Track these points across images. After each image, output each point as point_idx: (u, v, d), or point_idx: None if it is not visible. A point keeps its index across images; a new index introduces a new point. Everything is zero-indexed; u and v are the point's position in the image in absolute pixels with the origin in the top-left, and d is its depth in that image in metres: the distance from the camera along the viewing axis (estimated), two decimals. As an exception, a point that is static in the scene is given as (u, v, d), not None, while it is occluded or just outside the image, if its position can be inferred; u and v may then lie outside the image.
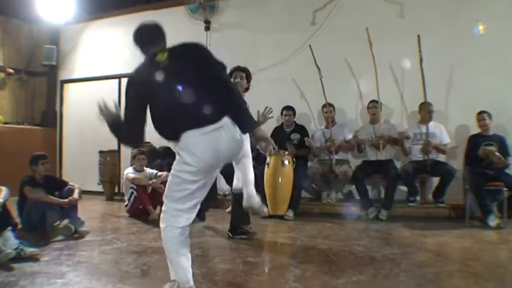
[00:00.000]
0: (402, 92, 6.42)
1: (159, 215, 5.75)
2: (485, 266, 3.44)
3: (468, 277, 3.11)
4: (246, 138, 3.12)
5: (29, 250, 3.59)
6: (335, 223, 5.34)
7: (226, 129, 2.39)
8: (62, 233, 4.51)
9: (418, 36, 5.84)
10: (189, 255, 2.60)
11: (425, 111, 5.87)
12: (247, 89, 4.57)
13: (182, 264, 2.55)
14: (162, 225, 2.53)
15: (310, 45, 6.38)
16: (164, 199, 2.56)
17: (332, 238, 4.50)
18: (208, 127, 2.35)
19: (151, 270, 3.36)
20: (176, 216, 2.50)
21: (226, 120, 2.40)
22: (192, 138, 2.34)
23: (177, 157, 2.46)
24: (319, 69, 6.17)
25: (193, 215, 2.59)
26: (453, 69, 6.13)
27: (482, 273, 3.22)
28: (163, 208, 2.55)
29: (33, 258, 3.55)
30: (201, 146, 2.34)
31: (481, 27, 5.99)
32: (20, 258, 3.49)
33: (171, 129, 2.44)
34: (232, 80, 4.40)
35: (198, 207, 2.59)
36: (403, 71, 6.35)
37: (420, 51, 5.86)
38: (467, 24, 6.07)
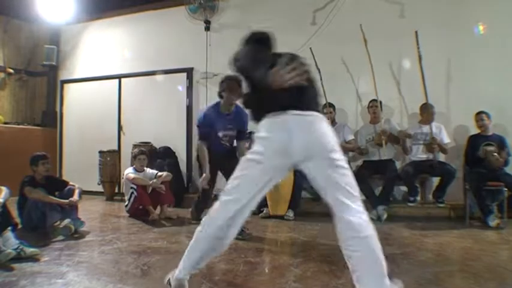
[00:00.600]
0: (402, 92, 6.42)
1: (159, 215, 5.77)
2: (485, 266, 3.44)
3: (468, 277, 3.11)
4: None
5: (29, 250, 3.59)
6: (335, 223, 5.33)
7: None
8: (62, 233, 4.51)
9: (416, 32, 5.84)
10: None
11: (428, 113, 5.86)
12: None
13: None
14: None
15: (310, 48, 6.38)
16: None
17: (332, 238, 4.46)
18: None
19: (152, 270, 3.36)
20: None
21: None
22: None
23: None
24: (319, 71, 6.17)
25: None
26: (453, 69, 6.13)
27: (482, 273, 3.22)
28: None
29: (34, 259, 3.54)
30: None
31: (481, 28, 5.99)
32: (20, 258, 3.48)
33: None
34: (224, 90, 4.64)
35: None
36: (403, 70, 6.36)
37: (418, 48, 5.85)
38: (467, 24, 6.08)
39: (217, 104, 4.81)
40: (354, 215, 2.29)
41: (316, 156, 2.34)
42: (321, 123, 2.40)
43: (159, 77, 7.78)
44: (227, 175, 4.22)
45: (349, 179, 2.34)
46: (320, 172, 2.38)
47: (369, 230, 2.26)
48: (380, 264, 2.17)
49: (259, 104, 2.49)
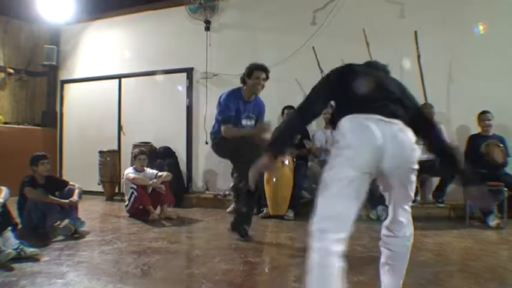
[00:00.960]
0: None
1: (159, 215, 5.77)
2: (485, 266, 3.44)
3: (468, 277, 3.11)
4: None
5: (29, 250, 3.59)
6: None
7: None
8: (62, 233, 4.51)
9: (415, 32, 5.84)
10: None
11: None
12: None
13: None
14: None
15: (313, 47, 6.38)
16: None
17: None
18: None
19: (152, 270, 3.36)
20: None
21: None
22: None
23: None
24: (322, 71, 6.17)
25: None
26: (453, 69, 6.13)
27: (482, 273, 3.22)
28: None
29: (34, 259, 3.54)
30: None
31: (481, 28, 5.99)
32: (20, 258, 3.49)
33: None
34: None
35: None
36: (403, 70, 6.35)
37: (418, 48, 5.86)
38: (467, 24, 6.08)
39: (239, 89, 4.72)
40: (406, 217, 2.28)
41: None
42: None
43: (159, 77, 7.78)
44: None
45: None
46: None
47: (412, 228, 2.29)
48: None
49: None
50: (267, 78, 4.64)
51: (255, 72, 4.56)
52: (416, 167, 2.14)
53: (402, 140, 2.03)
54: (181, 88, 7.79)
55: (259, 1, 7.35)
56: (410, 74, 6.13)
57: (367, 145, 1.96)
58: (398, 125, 2.03)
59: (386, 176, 2.12)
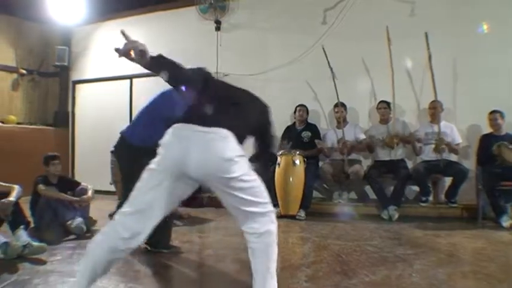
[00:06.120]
0: (414, 91, 6.39)
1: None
2: (498, 266, 3.41)
3: (481, 278, 3.08)
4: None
5: (36, 244, 3.64)
6: (347, 223, 5.32)
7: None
8: (74, 232, 4.55)
9: (426, 33, 5.82)
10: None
11: (434, 110, 5.85)
12: None
13: None
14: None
15: (323, 47, 6.36)
16: None
17: (344, 238, 4.49)
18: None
19: (163, 269, 3.37)
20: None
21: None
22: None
23: None
24: (331, 70, 6.16)
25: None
26: (463, 67, 6.08)
27: (495, 274, 3.19)
28: None
29: (42, 260, 3.57)
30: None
31: (485, 27, 5.94)
32: (27, 253, 3.56)
33: None
34: None
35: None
36: (413, 69, 6.32)
37: (429, 49, 5.83)
38: (477, 22, 6.02)
39: None
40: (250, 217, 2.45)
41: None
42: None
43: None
44: None
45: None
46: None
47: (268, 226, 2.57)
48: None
49: None
50: None
51: None
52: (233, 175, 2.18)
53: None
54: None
55: (270, 1, 7.34)
56: (421, 72, 6.11)
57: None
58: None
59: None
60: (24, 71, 8.56)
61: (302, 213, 5.74)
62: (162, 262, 3.55)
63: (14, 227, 3.70)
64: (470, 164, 5.83)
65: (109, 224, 2.31)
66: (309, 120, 6.58)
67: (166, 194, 2.20)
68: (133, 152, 3.49)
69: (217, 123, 2.19)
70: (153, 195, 2.18)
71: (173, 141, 2.20)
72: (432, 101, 5.90)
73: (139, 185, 2.22)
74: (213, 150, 2.14)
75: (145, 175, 2.23)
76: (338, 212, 5.87)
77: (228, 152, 2.15)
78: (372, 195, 6.09)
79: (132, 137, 3.69)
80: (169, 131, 2.23)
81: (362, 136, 6.27)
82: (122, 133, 3.83)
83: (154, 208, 2.20)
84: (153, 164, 2.22)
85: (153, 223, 2.22)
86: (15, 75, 8.50)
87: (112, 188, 7.96)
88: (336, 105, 6.30)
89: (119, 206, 3.49)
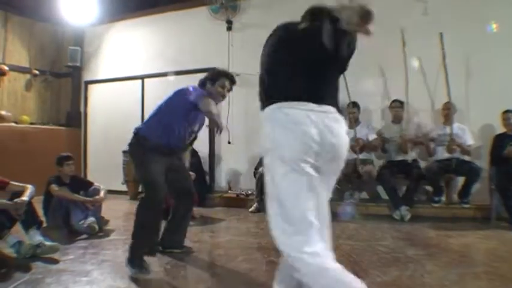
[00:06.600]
0: (427, 91, 6.34)
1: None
2: (511, 267, 3.38)
3: (494, 279, 3.05)
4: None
5: (49, 244, 3.67)
6: (358, 223, 5.30)
7: None
8: (86, 231, 4.58)
9: (441, 34, 5.78)
10: None
11: (447, 111, 5.80)
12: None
13: None
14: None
15: (332, 46, 6.33)
16: None
17: (355, 238, 4.47)
18: None
19: (174, 269, 3.38)
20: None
21: None
22: None
23: None
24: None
25: None
26: (477, 67, 6.01)
27: (508, 274, 3.16)
28: None
29: (55, 259, 3.60)
30: None
31: (494, 26, 5.88)
32: (41, 253, 3.59)
33: None
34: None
35: None
36: (427, 69, 6.27)
37: (443, 49, 5.79)
38: (490, 21, 5.96)
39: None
40: None
41: None
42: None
43: (181, 77, 7.81)
44: None
45: None
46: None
47: None
48: None
49: None
50: (231, 89, 4.00)
51: (221, 80, 3.92)
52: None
53: None
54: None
55: (281, 0, 7.33)
56: (435, 72, 6.07)
57: None
58: None
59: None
60: (37, 72, 8.64)
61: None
62: (173, 262, 3.56)
63: (26, 227, 3.73)
64: (483, 163, 5.78)
65: None
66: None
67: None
68: (148, 148, 3.47)
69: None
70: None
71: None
72: (446, 103, 5.85)
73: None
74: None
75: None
76: (348, 211, 5.83)
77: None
78: (384, 195, 6.06)
79: (147, 132, 3.58)
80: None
81: (373, 137, 6.23)
82: (137, 129, 3.67)
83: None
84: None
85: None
86: (28, 76, 8.59)
87: (124, 188, 8.02)
88: (347, 106, 6.27)
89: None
